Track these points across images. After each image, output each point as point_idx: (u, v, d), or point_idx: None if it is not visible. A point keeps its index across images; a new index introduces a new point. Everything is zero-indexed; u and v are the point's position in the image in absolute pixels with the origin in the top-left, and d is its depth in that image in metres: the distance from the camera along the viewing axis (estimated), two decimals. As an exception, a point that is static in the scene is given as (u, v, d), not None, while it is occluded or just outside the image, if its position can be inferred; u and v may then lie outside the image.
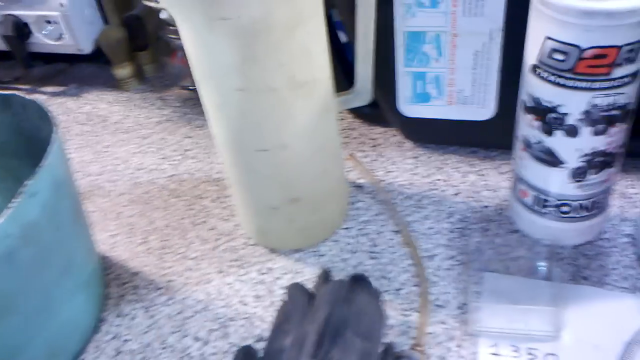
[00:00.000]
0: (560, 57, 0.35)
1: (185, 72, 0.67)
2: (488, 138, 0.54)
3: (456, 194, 0.52)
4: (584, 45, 0.34)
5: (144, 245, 0.52)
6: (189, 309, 0.45)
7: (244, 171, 0.44)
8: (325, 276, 0.42)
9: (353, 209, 0.52)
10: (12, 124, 0.47)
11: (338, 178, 0.49)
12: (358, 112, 0.61)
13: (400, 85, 0.52)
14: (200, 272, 0.48)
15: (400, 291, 0.45)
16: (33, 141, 0.45)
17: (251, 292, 0.46)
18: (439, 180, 0.54)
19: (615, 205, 0.48)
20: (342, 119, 0.62)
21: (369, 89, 0.47)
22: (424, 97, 0.52)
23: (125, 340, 0.44)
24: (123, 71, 0.70)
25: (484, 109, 0.51)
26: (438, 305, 0.43)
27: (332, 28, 0.56)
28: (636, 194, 0.49)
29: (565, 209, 0.43)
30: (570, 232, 0.44)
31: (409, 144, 0.58)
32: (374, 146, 0.58)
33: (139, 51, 0.70)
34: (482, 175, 0.53)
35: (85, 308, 0.44)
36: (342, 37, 0.60)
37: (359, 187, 0.54)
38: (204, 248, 0.51)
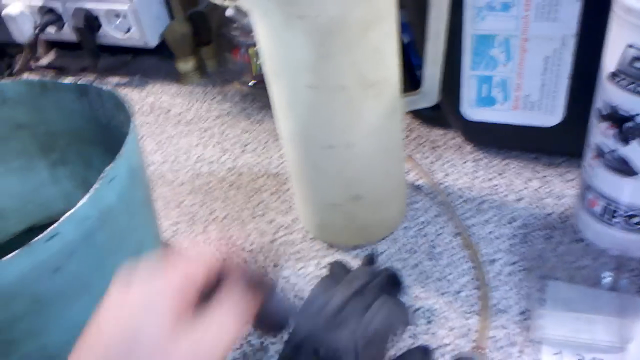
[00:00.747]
0: (644, 64, 0.34)
1: (245, 69, 0.68)
2: (553, 145, 0.53)
3: (518, 200, 0.51)
4: None
5: (203, 235, 0.53)
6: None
7: (309, 167, 0.45)
8: (370, 260, 0.43)
9: (411, 209, 0.52)
10: (88, 112, 0.49)
11: (399, 178, 0.49)
12: (418, 114, 0.61)
13: (465, 88, 0.52)
14: (256, 265, 0.49)
15: (460, 294, 0.44)
16: (107, 129, 0.47)
17: (307, 287, 0.46)
18: (500, 185, 0.53)
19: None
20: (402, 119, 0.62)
21: (436, 90, 0.47)
22: (488, 101, 0.52)
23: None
24: (186, 65, 0.72)
25: (551, 116, 0.50)
26: (499, 310, 0.43)
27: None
28: None
29: (636, 219, 0.42)
30: (636, 243, 0.43)
31: (469, 147, 0.58)
32: (433, 148, 0.58)
33: (202, 46, 0.72)
34: (546, 182, 0.52)
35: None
36: (404, 39, 0.60)
37: (418, 188, 0.54)
38: (261, 240, 0.51)
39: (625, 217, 0.42)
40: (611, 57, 0.37)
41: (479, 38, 0.48)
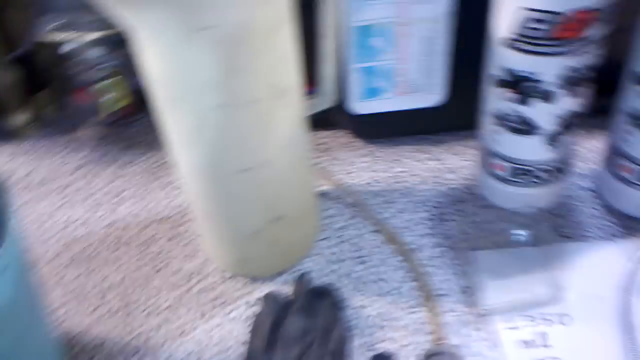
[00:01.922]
0: (536, 25, 0.36)
1: (93, 109, 0.60)
2: (439, 123, 0.54)
3: (423, 182, 0.52)
4: (560, 9, 0.35)
5: (102, 308, 0.45)
6: (181, 364, 0.40)
7: (223, 198, 0.40)
8: (303, 281, 0.42)
9: (325, 217, 0.50)
10: None
11: (314, 189, 0.46)
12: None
13: (350, 83, 0.51)
14: (180, 321, 0.43)
15: (401, 289, 0.43)
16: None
17: (246, 329, 0.42)
18: (400, 172, 0.53)
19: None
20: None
21: (333, 90, 0.45)
22: (374, 92, 0.51)
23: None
24: (19, 118, 0.61)
25: (434, 95, 0.51)
26: (442, 295, 0.42)
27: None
28: (588, 151, 0.52)
29: (541, 174, 0.44)
30: (544, 196, 0.46)
31: (359, 142, 0.57)
32: (326, 150, 0.57)
33: (35, 94, 0.62)
34: (440, 159, 0.54)
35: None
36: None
37: (324, 195, 0.52)
38: (176, 293, 0.45)
39: (530, 174, 0.44)
40: (503, 23, 0.38)
41: (359, 30, 0.47)
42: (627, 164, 0.43)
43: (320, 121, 0.58)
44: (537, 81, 0.39)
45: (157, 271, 0.47)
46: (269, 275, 0.45)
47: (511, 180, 0.45)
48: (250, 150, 0.37)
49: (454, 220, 0.47)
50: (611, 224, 0.45)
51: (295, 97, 0.38)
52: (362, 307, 0.42)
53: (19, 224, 0.33)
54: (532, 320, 0.39)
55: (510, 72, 0.39)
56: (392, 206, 0.50)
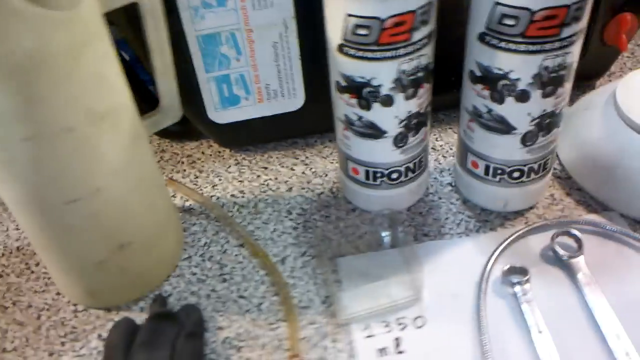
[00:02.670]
0: (362, 31, 0.35)
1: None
2: (304, 127, 0.53)
3: (289, 189, 0.51)
4: (380, 16, 0.34)
5: (-60, 358, 0.41)
6: (23, 413, 0.37)
7: (55, 230, 0.37)
8: (160, 304, 0.41)
9: (189, 235, 0.47)
10: None
11: (167, 208, 0.44)
12: (165, 132, 0.56)
13: (205, 93, 0.48)
14: (27, 364, 0.40)
15: (262, 305, 0.42)
16: None
17: (97, 365, 0.39)
18: (268, 180, 0.52)
19: (431, 159, 0.51)
20: (149, 142, 0.57)
21: (176, 104, 0.43)
22: (233, 100, 0.49)
23: None
24: None
25: (294, 99, 0.50)
26: (303, 307, 0.41)
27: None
28: (443, 145, 0.53)
29: (394, 175, 0.44)
30: (402, 197, 0.46)
31: (226, 152, 0.55)
32: (192, 163, 0.54)
33: None
34: (308, 163, 0.53)
35: None
36: (125, 56, 0.55)
37: (189, 210, 0.50)
38: (23, 333, 0.42)
39: (385, 176, 0.44)
40: (334, 30, 0.37)
41: (204, 38, 0.45)
42: (473, 158, 0.43)
43: (186, 133, 0.56)
44: (374, 86, 0.38)
45: (4, 310, 0.43)
46: (124, 303, 0.43)
47: (367, 183, 0.45)
48: (74, 180, 0.34)
49: (317, 227, 0.47)
50: (468, 219, 0.46)
51: (123, 119, 0.36)
52: (220, 328, 0.41)
53: None
54: (387, 326, 0.39)
55: (348, 78, 0.39)
56: (258, 218, 0.48)
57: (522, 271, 0.40)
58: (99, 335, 0.41)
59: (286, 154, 0.54)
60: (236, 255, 0.46)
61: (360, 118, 0.40)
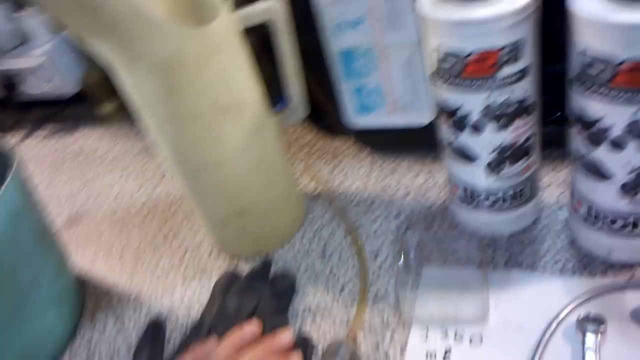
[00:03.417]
0: (449, 64, 0.38)
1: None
2: (431, 140, 0.56)
3: (406, 195, 0.55)
4: (468, 50, 0.37)
5: (120, 261, 0.56)
6: (155, 316, 0.49)
7: (191, 190, 0.49)
8: (265, 265, 0.49)
9: (311, 215, 0.55)
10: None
11: (286, 188, 0.52)
12: (320, 127, 0.65)
13: (343, 99, 0.56)
14: (167, 281, 0.52)
15: (345, 287, 0.47)
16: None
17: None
18: (390, 183, 0.57)
19: (552, 194, 0.50)
20: (308, 133, 0.66)
21: (301, 106, 0.51)
22: (367, 108, 0.56)
23: (96, 346, 0.48)
24: (107, 108, 0.76)
25: (423, 114, 0.54)
26: (378, 298, 0.46)
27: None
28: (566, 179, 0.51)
29: (491, 200, 0.45)
30: (501, 222, 0.46)
31: (364, 153, 0.61)
32: (334, 157, 0.62)
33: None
34: (431, 175, 0.56)
35: (58, 319, 0.48)
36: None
37: (316, 197, 0.57)
38: (172, 261, 0.55)
39: (484, 199, 0.45)
40: (429, 59, 0.41)
41: (342, 54, 0.52)
42: (579, 200, 0.42)
43: (335, 130, 0.64)
44: (464, 114, 0.40)
45: (166, 242, 0.57)
46: (245, 255, 0.53)
47: (468, 204, 0.46)
48: (203, 154, 0.45)
49: (417, 233, 0.50)
50: (568, 260, 0.44)
51: (245, 113, 0.45)
52: (307, 296, 0.47)
53: (18, 189, 0.44)
54: (444, 336, 0.41)
55: (442, 102, 0.41)
56: (369, 214, 0.54)
57: (599, 321, 0.38)
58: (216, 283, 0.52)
59: (416, 161, 0.58)
60: (340, 241, 0.52)
61: (452, 142, 0.43)
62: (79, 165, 0.73)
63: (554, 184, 0.51)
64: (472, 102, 0.39)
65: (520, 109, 0.40)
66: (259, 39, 0.49)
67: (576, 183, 0.41)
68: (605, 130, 0.36)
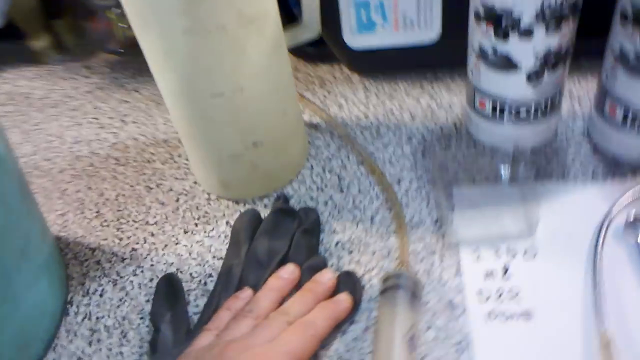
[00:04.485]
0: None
1: (108, 36, 0.62)
2: (435, 59, 0.54)
3: (412, 118, 0.52)
4: None
5: (98, 219, 0.48)
6: (161, 274, 0.43)
7: (200, 121, 0.42)
8: (282, 200, 0.45)
9: (313, 148, 0.51)
10: None
11: (297, 118, 0.47)
12: (301, 53, 0.60)
13: (344, 16, 0.50)
14: (165, 235, 0.46)
15: (375, 218, 0.44)
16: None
17: (224, 246, 0.44)
18: (392, 107, 0.53)
19: (565, 105, 0.49)
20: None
21: (316, 21, 0.45)
22: (369, 26, 0.51)
23: (98, 318, 0.41)
24: (40, 43, 0.64)
25: (430, 31, 0.51)
26: (414, 225, 0.43)
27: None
28: (581, 93, 0.51)
29: (522, 113, 0.43)
30: (528, 135, 0.45)
31: (357, 77, 0.57)
32: (323, 84, 0.57)
33: (55, 19, 0.64)
34: (434, 96, 0.53)
35: (49, 292, 0.40)
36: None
37: (315, 126, 0.53)
38: (164, 211, 0.48)
39: (513, 112, 0.43)
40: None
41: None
42: (613, 105, 0.41)
43: (322, 56, 0.59)
44: (515, 17, 0.37)
45: (150, 189, 0.50)
46: (251, 198, 0.47)
47: (494, 118, 0.45)
48: (222, 76, 0.38)
49: (436, 155, 0.48)
50: (596, 166, 0.44)
51: (268, 26, 0.39)
52: (335, 232, 0.44)
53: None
54: (496, 252, 0.40)
55: (489, 7, 0.38)
56: (379, 140, 0.50)
57: (647, 221, 0.39)
58: (227, 222, 0.46)
59: (414, 85, 0.55)
60: (355, 171, 0.48)
61: (495, 50, 0.40)
62: (14, 111, 0.61)
63: (566, 96, 0.50)
64: (526, 3, 0.36)
65: (571, 10, 0.38)
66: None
67: (612, 86, 0.41)
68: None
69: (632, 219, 0.39)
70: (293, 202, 0.46)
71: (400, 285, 0.37)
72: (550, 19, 0.37)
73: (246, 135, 0.43)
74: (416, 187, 0.46)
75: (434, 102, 0.53)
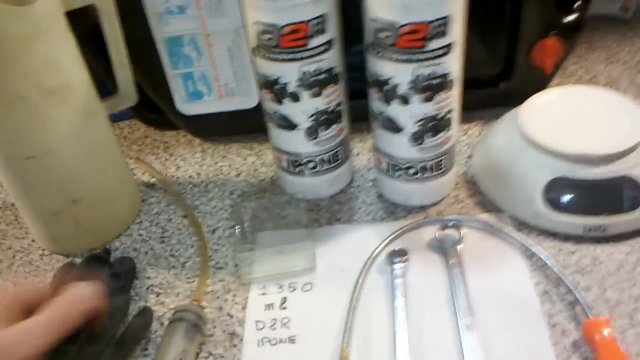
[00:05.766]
0: (266, 36, 0.43)
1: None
2: (257, 123, 0.61)
3: (238, 175, 0.58)
4: (280, 23, 0.42)
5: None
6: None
7: (18, 181, 0.47)
8: (103, 252, 0.48)
9: (146, 205, 0.56)
10: None
11: (120, 177, 0.53)
12: (149, 121, 0.66)
13: (173, 87, 0.58)
14: (-5, 289, 0.50)
15: (186, 264, 0.49)
16: None
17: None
18: (223, 166, 0.60)
19: (361, 160, 0.57)
20: (137, 129, 0.67)
21: (132, 91, 0.52)
22: (197, 95, 0.58)
23: None
24: None
25: (250, 98, 0.58)
26: (218, 268, 0.48)
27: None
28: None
29: (311, 165, 0.50)
30: (322, 186, 0.52)
31: (197, 140, 0.64)
32: (166, 148, 0.63)
33: None
34: (260, 155, 0.60)
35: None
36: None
37: (151, 185, 0.58)
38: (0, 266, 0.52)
39: (305, 165, 0.51)
40: (250, 34, 0.45)
41: (169, 40, 0.54)
42: (379, 155, 0.49)
43: (167, 123, 0.65)
44: (282, 84, 0.45)
45: (-11, 249, 0.54)
46: (80, 252, 0.52)
47: (291, 171, 0.52)
48: (31, 140, 0.44)
49: (251, 206, 0.54)
50: (377, 210, 0.51)
51: (76, 96, 0.45)
52: (148, 278, 0.49)
53: None
54: (279, 288, 0.46)
55: (263, 76, 0.46)
56: (205, 195, 0.56)
57: (402, 253, 0.45)
58: (55, 275, 0.50)
59: (245, 146, 0.62)
60: (178, 224, 0.54)
61: (275, 112, 0.48)
62: None
63: (362, 152, 0.58)
64: (289, 73, 0.44)
65: (330, 78, 0.46)
66: (92, 24, 0.49)
67: (377, 140, 0.49)
68: (395, 87, 0.43)
69: (389, 253, 0.46)
70: (118, 253, 0.51)
71: (183, 318, 0.42)
72: (312, 83, 0.45)
73: (63, 193, 0.48)
74: (227, 235, 0.52)
75: (259, 161, 0.60)
